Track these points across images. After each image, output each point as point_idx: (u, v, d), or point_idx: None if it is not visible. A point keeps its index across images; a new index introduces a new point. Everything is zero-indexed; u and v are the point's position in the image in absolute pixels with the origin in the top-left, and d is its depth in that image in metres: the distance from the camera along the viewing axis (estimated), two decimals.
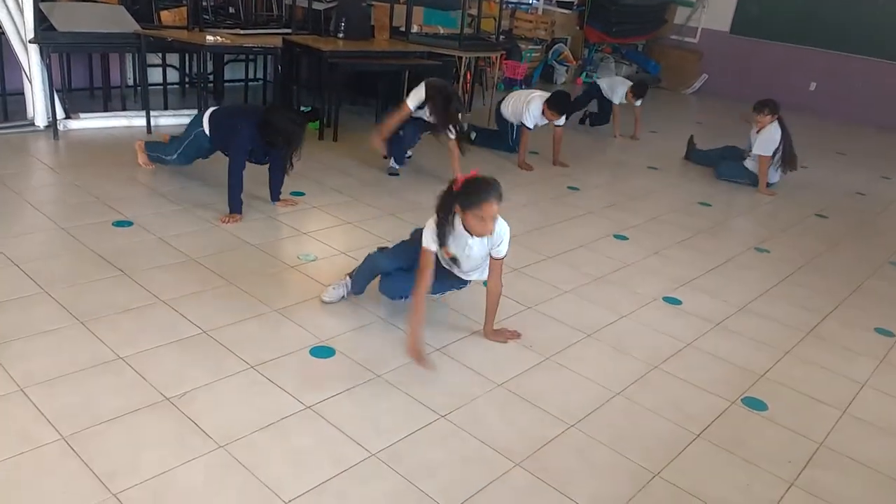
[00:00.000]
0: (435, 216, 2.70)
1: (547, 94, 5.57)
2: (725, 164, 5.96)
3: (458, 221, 2.70)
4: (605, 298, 3.46)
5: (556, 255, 3.87)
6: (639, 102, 6.86)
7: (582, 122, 7.26)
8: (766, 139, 5.55)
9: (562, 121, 5.63)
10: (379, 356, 2.71)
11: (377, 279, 3.05)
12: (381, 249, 3.09)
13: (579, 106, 7.06)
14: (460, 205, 2.62)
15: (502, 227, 2.76)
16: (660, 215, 4.81)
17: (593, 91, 7.11)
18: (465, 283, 3.02)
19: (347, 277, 3.12)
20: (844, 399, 2.84)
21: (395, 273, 2.98)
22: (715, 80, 10.49)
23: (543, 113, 5.53)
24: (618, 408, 2.59)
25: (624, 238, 4.31)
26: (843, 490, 2.30)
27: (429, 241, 2.70)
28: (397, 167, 5.00)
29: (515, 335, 2.96)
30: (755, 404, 2.71)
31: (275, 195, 4.14)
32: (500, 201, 2.62)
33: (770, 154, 5.58)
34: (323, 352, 2.69)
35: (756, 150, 5.62)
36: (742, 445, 2.46)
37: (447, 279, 2.96)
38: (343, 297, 3.10)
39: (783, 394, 2.82)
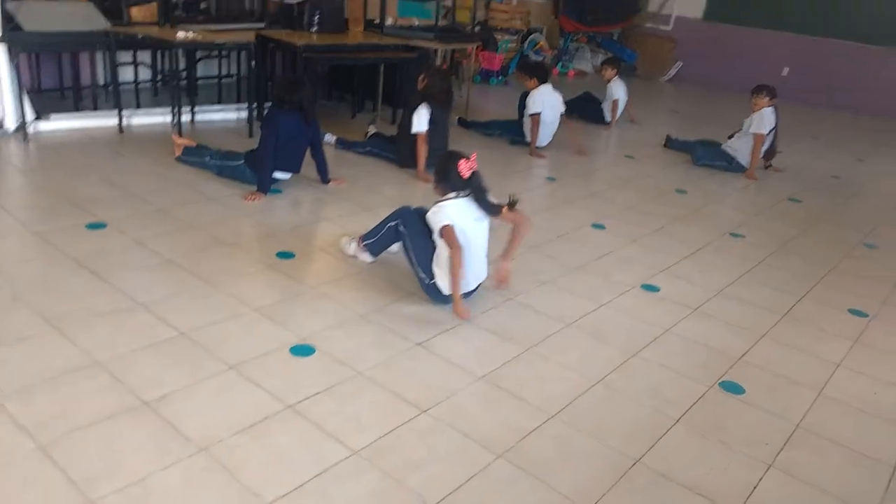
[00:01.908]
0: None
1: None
2: (703, 148, 6.03)
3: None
4: (584, 287, 3.48)
5: (536, 246, 3.88)
6: (615, 76, 6.93)
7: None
8: (762, 117, 5.61)
9: (535, 107, 5.63)
10: (359, 352, 2.71)
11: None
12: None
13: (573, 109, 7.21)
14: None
15: (434, 207, 2.98)
16: (637, 204, 4.85)
17: (586, 98, 7.15)
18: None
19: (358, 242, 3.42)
20: (820, 380, 2.89)
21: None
22: (690, 67, 10.56)
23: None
24: (598, 396, 2.61)
25: (602, 227, 4.33)
26: (820, 470, 2.35)
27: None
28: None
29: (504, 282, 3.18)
30: (732, 388, 2.75)
31: (324, 177, 4.46)
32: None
33: (765, 132, 5.63)
34: (303, 350, 2.68)
35: (752, 129, 5.66)
36: (720, 429, 2.50)
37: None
38: (355, 254, 3.45)
39: (760, 376, 2.86)
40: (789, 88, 9.21)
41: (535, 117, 5.65)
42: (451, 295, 3.02)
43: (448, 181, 2.99)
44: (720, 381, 2.79)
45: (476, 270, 3.10)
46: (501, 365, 2.74)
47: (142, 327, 2.71)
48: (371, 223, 3.38)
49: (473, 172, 2.96)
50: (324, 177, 4.46)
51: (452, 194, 3.00)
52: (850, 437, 2.54)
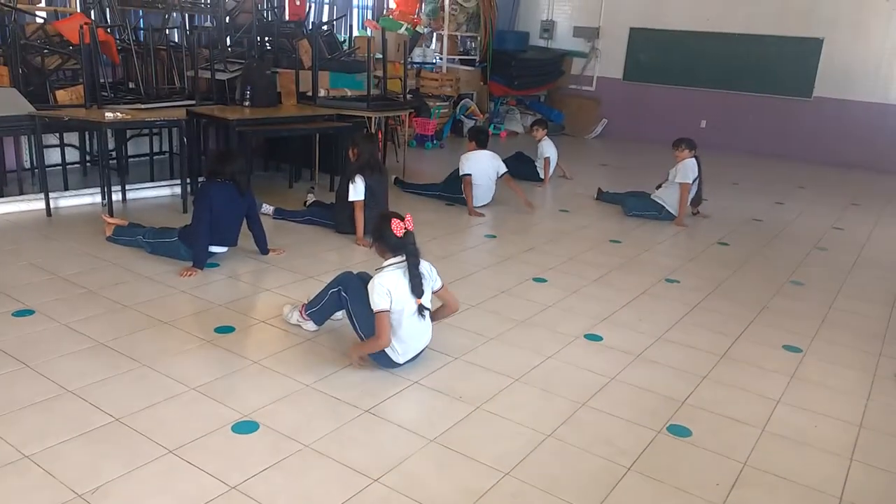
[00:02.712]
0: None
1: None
2: (633, 199, 6.26)
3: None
4: (529, 341, 3.51)
5: (479, 304, 3.91)
6: (545, 136, 7.18)
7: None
8: (686, 168, 5.89)
9: (463, 169, 5.80)
10: (305, 425, 2.63)
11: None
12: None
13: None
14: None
15: (373, 280, 2.96)
16: (575, 256, 4.96)
17: (518, 158, 7.36)
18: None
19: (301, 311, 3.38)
20: (762, 417, 2.95)
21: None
22: (614, 124, 11.06)
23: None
24: (550, 450, 2.60)
25: (543, 280, 4.41)
26: None
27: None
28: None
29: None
30: (680, 431, 2.79)
31: (263, 248, 4.42)
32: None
33: (690, 181, 5.90)
34: (246, 427, 2.59)
35: (677, 179, 5.92)
36: (671, 473, 2.51)
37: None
38: (298, 323, 3.41)
39: (705, 418, 2.91)
40: (708, 139, 9.73)
41: (466, 178, 5.83)
42: (397, 361, 3.02)
43: (384, 239, 3.03)
44: (667, 425, 2.82)
45: (420, 337, 3.10)
46: (452, 425, 2.71)
47: (74, 416, 2.57)
48: (312, 290, 3.35)
49: (407, 231, 3.00)
50: (262, 248, 4.42)
51: (392, 258, 3.02)
52: (797, 471, 2.59)
